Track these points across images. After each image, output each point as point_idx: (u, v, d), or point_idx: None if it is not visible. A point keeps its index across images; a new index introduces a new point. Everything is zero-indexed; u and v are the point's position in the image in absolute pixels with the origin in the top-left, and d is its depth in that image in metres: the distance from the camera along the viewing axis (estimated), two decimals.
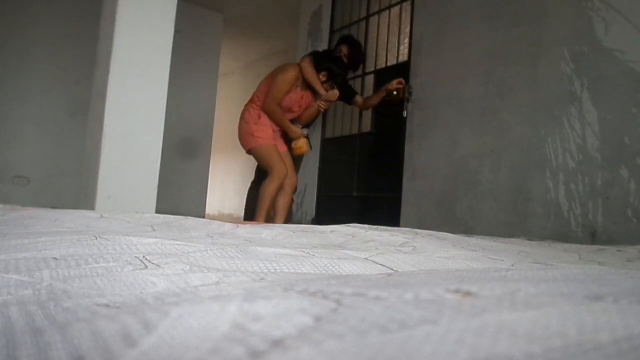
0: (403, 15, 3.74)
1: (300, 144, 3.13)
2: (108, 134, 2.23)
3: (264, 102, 3.08)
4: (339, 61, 3.24)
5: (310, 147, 3.32)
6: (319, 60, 3.15)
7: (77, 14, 4.46)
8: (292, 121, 3.18)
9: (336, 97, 3.21)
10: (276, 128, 3.13)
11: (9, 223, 1.10)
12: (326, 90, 3.17)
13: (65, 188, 4.31)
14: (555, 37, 2.63)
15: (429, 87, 3.36)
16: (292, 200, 3.51)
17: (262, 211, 3.04)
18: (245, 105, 3.20)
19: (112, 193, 2.22)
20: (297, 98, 3.11)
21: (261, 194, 3.05)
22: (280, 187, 3.07)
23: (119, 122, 2.26)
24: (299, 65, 3.14)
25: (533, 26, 2.75)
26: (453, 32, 3.24)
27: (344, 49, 3.39)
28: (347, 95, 3.54)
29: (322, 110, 3.26)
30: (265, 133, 3.05)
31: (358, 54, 3.45)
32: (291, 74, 3.05)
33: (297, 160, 3.39)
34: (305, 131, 3.20)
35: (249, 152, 3.15)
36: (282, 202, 3.14)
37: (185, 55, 4.87)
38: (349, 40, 3.51)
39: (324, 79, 3.12)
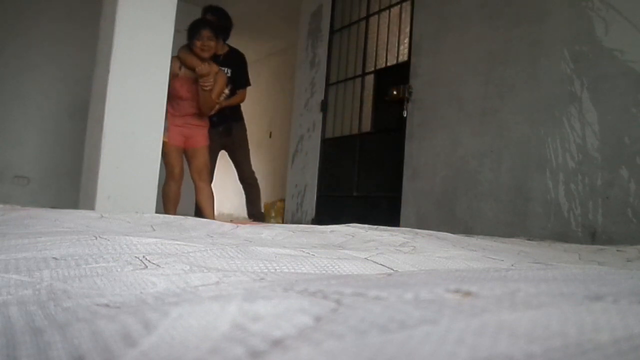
0: (403, 15, 3.74)
1: (203, 75, 3.05)
2: (108, 134, 2.23)
3: None
4: (198, 21, 3.21)
5: (227, 87, 3.22)
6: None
7: (77, 15, 4.46)
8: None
9: (207, 70, 3.05)
10: (180, 123, 3.13)
11: (9, 223, 1.10)
12: (212, 53, 3.11)
13: (65, 188, 4.31)
14: (555, 37, 2.63)
15: (429, 87, 3.36)
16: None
17: (166, 210, 3.14)
18: None
19: (112, 193, 2.22)
20: (183, 83, 3.08)
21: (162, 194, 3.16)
22: (175, 185, 3.16)
23: (119, 122, 2.26)
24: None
25: (533, 26, 2.75)
26: (453, 32, 3.24)
27: (207, 17, 3.40)
28: (237, 82, 3.46)
29: (207, 88, 3.08)
30: (169, 132, 3.09)
31: (222, 18, 3.43)
32: None
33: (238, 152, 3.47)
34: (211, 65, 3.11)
35: None
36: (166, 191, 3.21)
37: None
38: (207, 9, 3.50)
39: (194, 45, 3.05)
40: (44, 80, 4.41)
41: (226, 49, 3.50)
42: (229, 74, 3.39)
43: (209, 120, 3.28)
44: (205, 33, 3.06)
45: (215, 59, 3.27)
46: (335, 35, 4.45)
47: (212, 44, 3.10)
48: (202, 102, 3.11)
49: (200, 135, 3.20)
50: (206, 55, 3.08)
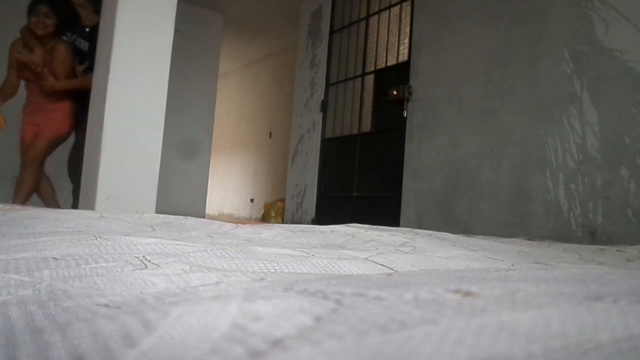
0: (403, 15, 3.74)
1: None
2: (108, 134, 2.23)
3: None
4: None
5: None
6: None
7: None
8: None
9: (27, 58, 2.93)
10: (32, 109, 3.07)
11: (9, 223, 1.10)
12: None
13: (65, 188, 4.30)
14: (555, 37, 2.63)
15: (429, 87, 3.36)
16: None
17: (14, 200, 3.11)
18: None
19: (112, 193, 2.22)
20: (25, 65, 3.01)
21: None
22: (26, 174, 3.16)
23: (119, 122, 2.26)
24: None
25: (533, 26, 2.75)
26: (453, 32, 3.24)
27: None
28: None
29: (37, 69, 2.94)
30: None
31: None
32: None
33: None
34: None
35: None
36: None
37: (185, 55, 4.87)
38: None
39: (29, 21, 2.98)
40: None
41: (96, 20, 2.92)
42: (85, 48, 3.05)
43: (71, 104, 3.04)
44: (42, 9, 2.90)
45: (81, 29, 3.06)
46: (335, 35, 4.45)
47: (50, 21, 2.92)
48: (41, 83, 2.96)
49: (54, 121, 3.00)
50: (41, 32, 2.91)
